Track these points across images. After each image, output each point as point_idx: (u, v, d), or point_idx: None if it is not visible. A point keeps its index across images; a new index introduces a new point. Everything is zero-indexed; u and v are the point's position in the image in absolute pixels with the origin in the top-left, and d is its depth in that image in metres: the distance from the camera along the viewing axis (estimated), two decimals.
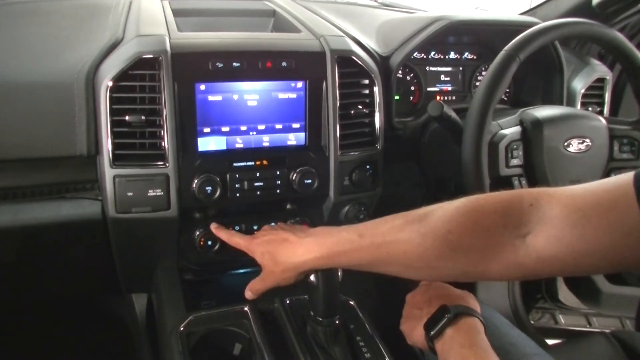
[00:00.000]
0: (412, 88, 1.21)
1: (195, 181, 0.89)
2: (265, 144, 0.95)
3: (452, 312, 0.70)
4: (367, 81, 0.99)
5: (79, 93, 0.86)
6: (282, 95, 0.93)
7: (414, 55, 1.17)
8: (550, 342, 1.49)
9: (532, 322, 1.66)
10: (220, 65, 0.88)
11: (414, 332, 0.76)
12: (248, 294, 0.86)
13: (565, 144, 0.87)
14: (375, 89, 0.99)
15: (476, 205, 0.61)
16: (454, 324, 0.69)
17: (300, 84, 0.94)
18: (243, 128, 0.93)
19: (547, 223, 0.56)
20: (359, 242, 0.69)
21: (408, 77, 1.20)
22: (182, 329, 0.85)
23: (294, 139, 0.96)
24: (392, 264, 0.68)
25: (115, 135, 0.84)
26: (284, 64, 0.92)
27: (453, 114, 0.92)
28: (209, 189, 0.89)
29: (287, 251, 0.77)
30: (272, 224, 1.00)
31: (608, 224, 0.52)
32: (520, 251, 0.57)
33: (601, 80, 1.22)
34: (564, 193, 0.56)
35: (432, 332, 0.70)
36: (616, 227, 0.51)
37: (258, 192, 0.94)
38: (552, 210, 0.56)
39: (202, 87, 0.88)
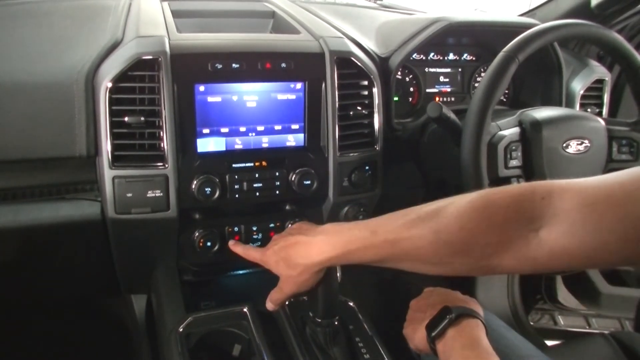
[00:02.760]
0: (411, 89, 1.21)
1: (195, 182, 0.89)
2: (265, 145, 0.95)
3: (454, 312, 0.70)
4: (366, 82, 0.99)
5: (78, 94, 0.86)
6: (281, 96, 0.94)
7: (413, 56, 1.17)
8: (549, 343, 1.49)
9: (532, 323, 1.66)
10: (219, 66, 0.88)
11: (416, 334, 0.75)
12: (269, 305, 0.84)
13: (564, 145, 0.87)
14: (375, 90, 0.99)
15: (488, 200, 0.61)
16: (455, 324, 0.69)
17: (299, 85, 0.94)
18: (242, 129, 0.93)
19: (559, 217, 0.55)
20: (372, 239, 0.68)
21: (407, 78, 1.20)
22: (181, 329, 0.85)
23: (293, 140, 0.96)
24: (406, 260, 0.68)
25: (114, 136, 0.84)
26: (283, 65, 0.92)
27: (452, 115, 0.92)
28: (208, 189, 0.89)
29: (300, 253, 0.75)
30: (271, 224, 1.01)
31: (620, 217, 0.51)
32: (533, 245, 0.57)
33: (600, 81, 1.22)
34: (576, 186, 0.55)
35: (433, 333, 0.70)
36: (629, 220, 0.50)
37: (257, 193, 0.94)
38: (564, 203, 0.55)
39: (202, 88, 0.88)
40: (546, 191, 0.57)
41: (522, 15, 1.48)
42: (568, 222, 0.55)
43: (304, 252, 0.75)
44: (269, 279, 1.07)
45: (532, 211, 0.57)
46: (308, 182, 0.95)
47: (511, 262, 0.60)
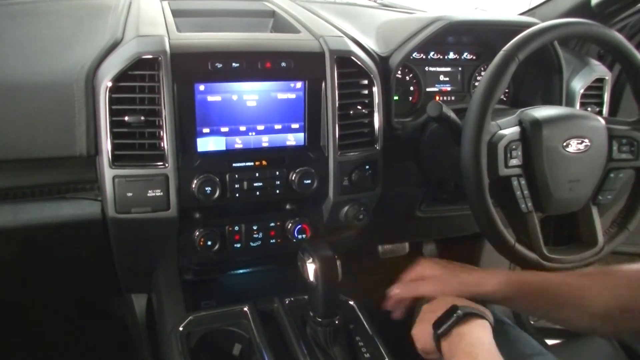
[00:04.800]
0: (412, 88, 1.21)
1: (195, 181, 0.89)
2: (265, 144, 0.95)
3: (462, 311, 0.71)
4: (366, 81, 0.99)
5: (78, 93, 0.86)
6: (281, 96, 0.94)
7: (413, 55, 1.17)
8: (550, 342, 1.49)
9: (532, 322, 1.66)
10: (219, 65, 0.88)
11: (424, 333, 0.76)
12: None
13: (564, 144, 0.87)
14: (375, 89, 0.99)
15: None
16: (462, 323, 0.70)
17: (299, 84, 0.94)
18: (242, 128, 0.93)
19: None
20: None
21: (407, 78, 1.20)
22: (181, 329, 0.85)
23: (293, 139, 0.96)
24: None
25: (114, 135, 0.84)
26: (283, 64, 0.92)
27: (452, 114, 0.92)
28: (208, 189, 0.89)
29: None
30: (271, 223, 1.01)
31: None
32: None
33: (600, 80, 1.22)
34: None
35: (439, 331, 0.70)
36: None
37: (257, 193, 0.94)
38: None
39: (202, 87, 0.88)
40: None
41: (522, 14, 1.48)
42: None
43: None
44: (269, 279, 1.08)
45: None
46: (308, 181, 0.95)
47: None
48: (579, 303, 0.74)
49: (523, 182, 0.87)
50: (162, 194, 0.87)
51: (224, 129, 0.92)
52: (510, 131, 0.87)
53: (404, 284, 0.87)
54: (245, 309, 0.90)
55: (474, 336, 0.69)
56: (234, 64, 0.89)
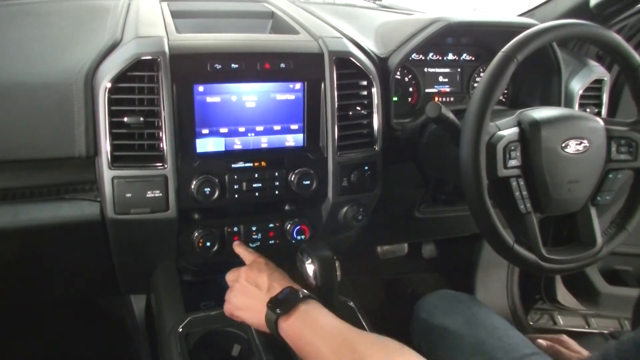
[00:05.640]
0: (411, 89, 1.21)
1: (194, 182, 0.89)
2: (264, 145, 0.95)
3: (302, 294, 0.73)
4: (365, 82, 0.99)
5: (77, 94, 0.86)
6: (280, 97, 0.94)
7: (412, 56, 1.17)
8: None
9: (531, 323, 1.67)
10: (218, 66, 0.88)
11: (252, 310, 0.77)
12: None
13: (563, 144, 0.87)
14: (374, 90, 0.99)
15: None
16: (305, 303, 0.72)
17: (298, 86, 0.94)
18: (241, 129, 0.93)
19: None
20: None
21: (406, 79, 1.20)
22: (181, 329, 0.85)
23: (292, 140, 0.96)
24: None
25: (113, 136, 0.84)
26: (283, 65, 0.92)
27: (451, 115, 0.92)
28: (207, 190, 0.89)
29: None
30: (270, 224, 1.01)
31: None
32: None
33: (599, 81, 1.22)
34: None
35: (279, 311, 0.71)
36: None
37: (256, 193, 0.94)
38: None
39: (201, 88, 0.88)
40: None
41: (521, 15, 1.48)
42: None
43: None
44: None
45: None
46: (307, 182, 0.95)
47: None
48: None
49: (522, 182, 0.87)
50: (161, 194, 0.87)
51: (223, 130, 0.92)
52: (509, 132, 0.87)
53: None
54: None
55: (319, 314, 0.71)
56: (233, 65, 0.89)
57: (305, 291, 0.74)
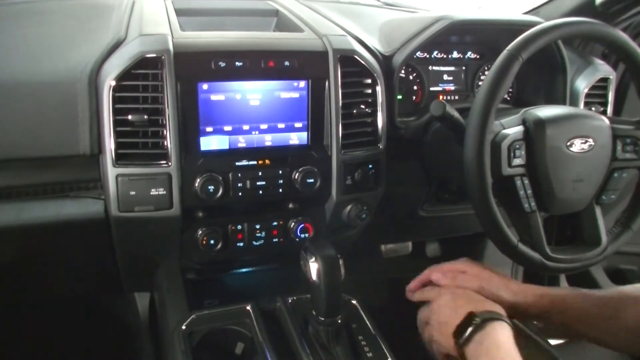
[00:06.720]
0: (415, 87, 1.21)
1: (198, 180, 0.89)
2: (268, 144, 0.95)
3: (479, 318, 0.72)
4: (369, 80, 0.99)
5: (81, 92, 0.86)
6: (284, 95, 0.94)
7: (417, 54, 1.16)
8: (552, 342, 1.48)
9: (535, 322, 1.66)
10: (222, 64, 0.88)
11: (441, 339, 0.78)
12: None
13: (568, 143, 0.87)
14: (378, 88, 0.99)
15: None
16: (481, 329, 0.72)
17: (302, 84, 0.94)
18: (245, 127, 0.93)
19: None
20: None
21: (411, 77, 1.20)
22: (184, 328, 0.85)
23: (296, 138, 0.96)
24: None
25: (117, 134, 0.84)
26: (287, 63, 0.92)
27: (455, 114, 0.92)
28: (211, 188, 0.89)
29: None
30: (274, 223, 1.01)
31: None
32: None
33: (604, 79, 1.22)
34: None
35: (461, 340, 0.72)
36: None
37: (260, 192, 0.94)
38: None
39: (205, 86, 0.88)
40: None
41: (526, 13, 1.48)
42: None
43: None
44: (272, 278, 1.08)
45: None
46: (311, 180, 0.95)
47: None
48: (614, 321, 0.77)
49: (526, 181, 0.87)
50: (165, 192, 0.87)
51: (227, 128, 0.92)
52: (514, 130, 0.87)
53: (444, 273, 0.88)
54: (248, 308, 0.90)
55: (494, 339, 0.71)
56: (237, 63, 0.89)
57: (484, 315, 0.74)
